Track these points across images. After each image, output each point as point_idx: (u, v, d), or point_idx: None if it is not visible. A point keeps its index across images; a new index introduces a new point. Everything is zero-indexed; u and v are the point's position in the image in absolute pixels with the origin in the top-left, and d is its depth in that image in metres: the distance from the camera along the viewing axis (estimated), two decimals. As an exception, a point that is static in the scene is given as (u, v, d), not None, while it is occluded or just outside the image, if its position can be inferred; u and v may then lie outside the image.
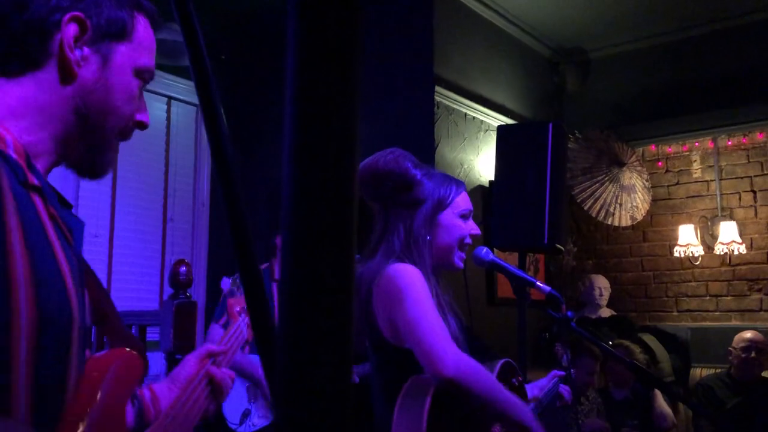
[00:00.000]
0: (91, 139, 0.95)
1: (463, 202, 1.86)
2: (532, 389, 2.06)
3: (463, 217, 1.85)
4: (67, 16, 0.90)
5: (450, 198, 1.83)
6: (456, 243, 1.83)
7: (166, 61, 4.31)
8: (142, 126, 1.01)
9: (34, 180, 0.87)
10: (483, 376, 1.60)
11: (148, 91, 4.47)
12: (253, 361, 3.12)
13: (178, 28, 0.41)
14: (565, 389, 2.16)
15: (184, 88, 4.62)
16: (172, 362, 2.17)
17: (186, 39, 0.39)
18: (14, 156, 0.85)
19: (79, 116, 0.93)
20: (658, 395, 3.72)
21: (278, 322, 0.27)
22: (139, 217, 4.40)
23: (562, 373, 2.16)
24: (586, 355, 3.73)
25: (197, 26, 0.39)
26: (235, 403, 3.12)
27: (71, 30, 0.90)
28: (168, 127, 4.63)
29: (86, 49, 0.93)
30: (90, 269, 1.00)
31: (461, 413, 1.64)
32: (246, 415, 3.12)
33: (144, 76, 0.99)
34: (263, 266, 3.56)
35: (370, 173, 1.83)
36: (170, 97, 4.63)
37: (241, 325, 1.62)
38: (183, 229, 4.65)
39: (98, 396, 0.89)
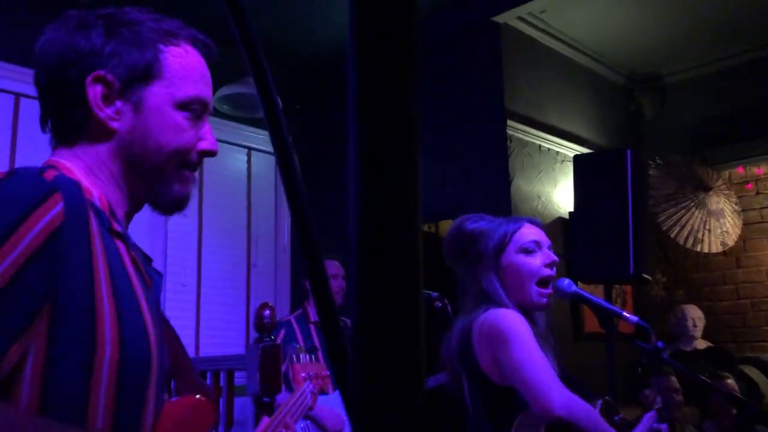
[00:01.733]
0: (149, 178, 0.97)
1: (522, 236, 1.86)
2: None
3: (525, 251, 1.84)
4: (89, 78, 0.91)
5: (507, 237, 1.85)
6: (526, 279, 1.83)
7: (244, 114, 4.48)
8: (209, 153, 1.00)
9: (117, 227, 0.92)
10: (591, 414, 1.61)
11: (230, 143, 4.67)
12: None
13: (253, 82, 0.43)
14: (663, 427, 2.06)
15: (262, 139, 4.79)
16: (259, 405, 2.21)
17: (260, 92, 0.41)
18: (98, 205, 0.90)
19: (129, 164, 0.95)
20: None
21: (351, 360, 0.28)
22: (224, 265, 4.55)
23: (653, 412, 2.06)
24: (657, 375, 3.56)
25: (270, 80, 0.41)
26: None
27: (97, 90, 0.92)
28: (249, 176, 4.80)
29: (118, 102, 0.94)
30: (164, 316, 1.03)
31: None
32: None
33: (191, 107, 0.98)
34: (298, 312, 3.73)
35: (443, 244, 1.95)
36: (250, 148, 4.80)
37: (306, 391, 1.67)
38: (266, 274, 4.77)
39: None
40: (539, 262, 1.84)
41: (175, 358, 1.03)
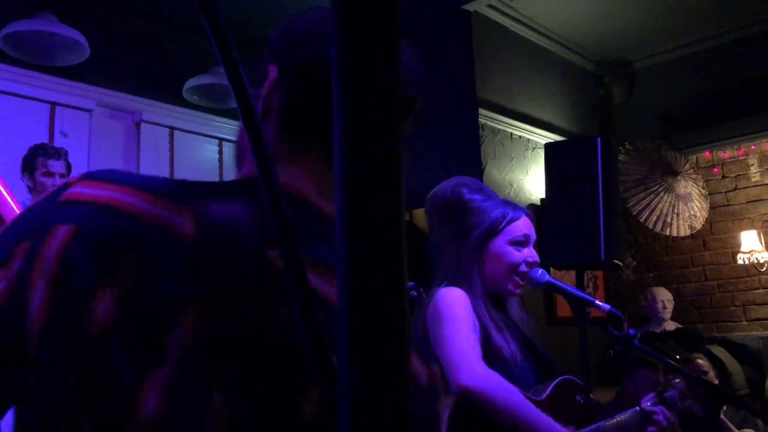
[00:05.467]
0: None
1: (517, 228, 1.84)
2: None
3: (516, 244, 1.84)
4: None
5: (501, 225, 1.83)
6: (506, 271, 1.82)
7: (214, 104, 4.44)
8: None
9: None
10: (504, 391, 1.59)
11: (200, 134, 4.62)
12: None
13: (223, 71, 0.43)
14: (659, 409, 2.00)
15: (234, 129, 4.74)
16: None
17: (231, 82, 0.41)
18: None
19: None
20: (730, 426, 3.57)
21: (338, 352, 0.28)
22: (197, 257, 4.50)
23: (651, 396, 2.06)
24: (644, 367, 3.60)
25: (241, 70, 0.41)
26: None
27: None
28: (221, 167, 4.76)
29: None
30: None
31: (481, 427, 1.65)
32: None
33: None
34: None
35: (429, 202, 1.87)
36: (221, 139, 4.76)
37: None
38: (240, 267, 4.74)
39: None
40: (523, 257, 1.84)
41: None
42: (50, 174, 3.22)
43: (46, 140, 3.85)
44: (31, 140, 3.47)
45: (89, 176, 0.68)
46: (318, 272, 0.68)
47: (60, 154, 3.29)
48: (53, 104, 4.02)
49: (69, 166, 3.32)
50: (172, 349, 0.60)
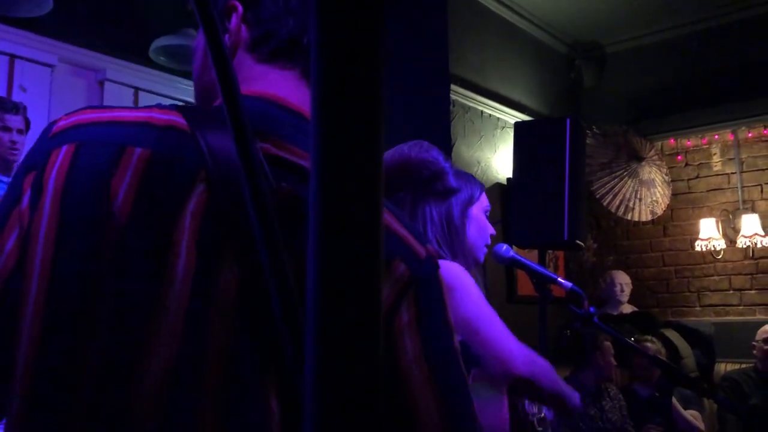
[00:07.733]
0: None
1: (486, 200, 1.85)
2: None
3: (486, 214, 1.84)
4: None
5: (477, 193, 1.82)
6: (483, 240, 1.81)
7: (182, 67, 4.34)
8: None
9: None
10: (550, 371, 1.63)
11: (167, 96, 4.52)
12: None
13: (194, 33, 0.41)
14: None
15: (200, 93, 4.65)
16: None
17: (209, 43, 0.39)
18: None
19: None
20: (677, 406, 3.69)
21: (307, 318, 0.27)
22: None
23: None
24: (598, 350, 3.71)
25: (220, 31, 0.39)
26: None
27: None
28: (185, 131, 4.67)
29: None
30: None
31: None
32: None
33: None
34: None
35: (403, 162, 1.78)
36: (187, 102, 4.67)
37: None
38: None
39: None
40: (490, 228, 1.84)
41: None
42: (7, 129, 3.12)
43: (3, 94, 3.72)
44: (-11, 93, 3.35)
45: (77, 111, 0.70)
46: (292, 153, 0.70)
47: (18, 108, 3.18)
48: (12, 57, 3.88)
49: (27, 122, 3.22)
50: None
